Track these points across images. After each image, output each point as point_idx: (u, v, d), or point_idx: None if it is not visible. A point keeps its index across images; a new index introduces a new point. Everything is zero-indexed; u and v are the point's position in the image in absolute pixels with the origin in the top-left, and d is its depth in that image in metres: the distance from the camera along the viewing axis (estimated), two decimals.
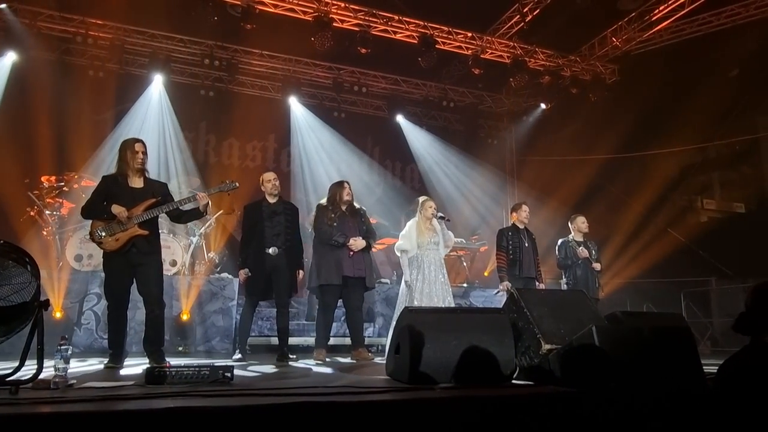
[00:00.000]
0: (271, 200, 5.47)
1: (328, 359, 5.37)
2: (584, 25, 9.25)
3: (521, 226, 6.42)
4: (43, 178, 7.41)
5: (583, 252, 6.46)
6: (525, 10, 8.81)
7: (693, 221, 11.19)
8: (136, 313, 5.47)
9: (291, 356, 5.28)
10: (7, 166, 7.52)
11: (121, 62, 8.87)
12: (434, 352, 3.25)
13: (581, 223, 6.68)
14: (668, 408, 2.74)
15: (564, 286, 6.66)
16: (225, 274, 7.22)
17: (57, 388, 2.77)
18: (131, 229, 4.33)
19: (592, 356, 2.96)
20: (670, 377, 2.97)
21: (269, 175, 5.55)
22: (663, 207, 10.30)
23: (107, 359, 4.36)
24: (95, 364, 4.56)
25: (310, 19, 8.24)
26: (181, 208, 4.64)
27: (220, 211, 7.67)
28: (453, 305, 5.84)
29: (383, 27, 8.76)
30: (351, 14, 8.52)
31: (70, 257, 6.75)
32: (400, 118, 10.89)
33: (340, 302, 5.63)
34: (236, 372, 3.29)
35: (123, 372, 4.07)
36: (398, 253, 5.84)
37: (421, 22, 8.85)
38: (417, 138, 11.13)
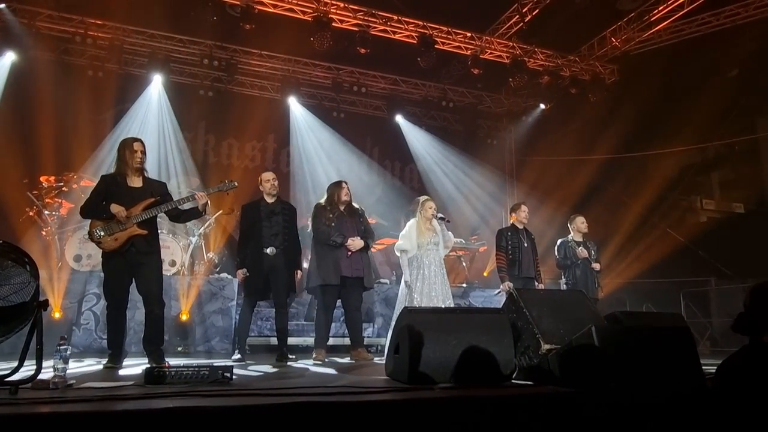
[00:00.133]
0: (270, 200, 5.46)
1: (327, 359, 5.37)
2: (583, 25, 9.25)
3: (520, 227, 6.43)
4: (42, 178, 7.41)
5: (582, 252, 6.46)
6: (524, 10, 8.81)
7: (692, 221, 11.19)
8: (136, 313, 5.47)
9: (290, 356, 5.28)
10: (7, 166, 7.51)
11: (121, 62, 8.87)
12: (434, 352, 3.25)
13: (580, 223, 6.68)
14: (667, 408, 2.74)
15: (563, 286, 6.66)
16: (224, 274, 7.22)
17: (56, 388, 2.77)
18: (130, 229, 4.33)
19: (592, 356, 2.96)
20: (669, 377, 2.97)
21: (268, 175, 5.55)
22: (662, 207, 10.31)
23: (106, 359, 4.36)
24: (94, 364, 4.55)
25: (310, 19, 8.24)
26: (180, 207, 4.63)
27: (220, 211, 7.67)
28: (453, 305, 5.84)
29: (382, 27, 8.76)
30: (350, 14, 8.52)
31: (69, 257, 6.74)
32: (399, 118, 10.89)
33: (339, 302, 5.64)
34: (236, 372, 3.29)
35: (122, 372, 4.06)
36: (398, 253, 5.84)
37: (421, 22, 8.85)
38: (416, 138, 11.13)
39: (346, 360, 5.50)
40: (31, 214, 7.27)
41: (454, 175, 11.19)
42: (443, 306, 5.50)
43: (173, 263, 7.12)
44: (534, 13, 8.80)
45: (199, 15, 7.90)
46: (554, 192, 9.98)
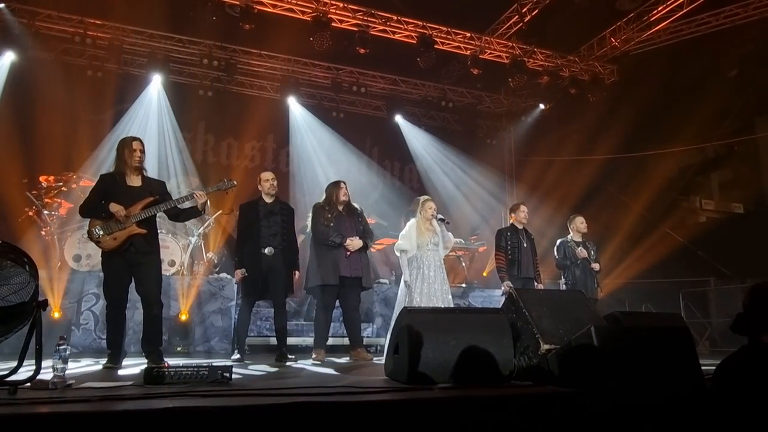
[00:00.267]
0: (268, 200, 5.46)
1: (326, 359, 5.37)
2: (583, 26, 9.26)
3: (520, 227, 6.43)
4: (41, 178, 7.40)
5: (582, 252, 6.46)
6: (524, 11, 8.82)
7: (692, 221, 11.21)
8: (135, 313, 5.46)
9: (290, 356, 5.28)
10: (6, 166, 7.50)
11: (120, 62, 8.86)
12: (433, 353, 3.25)
13: (580, 223, 6.68)
14: (666, 408, 2.74)
15: (563, 287, 6.66)
16: (224, 274, 7.22)
17: (55, 389, 2.76)
18: (129, 228, 4.32)
19: (591, 356, 2.96)
20: (668, 377, 2.97)
21: (267, 175, 5.55)
22: (661, 207, 10.31)
23: (106, 359, 4.35)
24: (94, 365, 4.55)
25: (309, 19, 8.24)
26: (179, 206, 4.63)
27: (219, 211, 7.67)
28: (452, 305, 5.84)
29: (382, 27, 8.76)
30: (350, 14, 8.52)
31: (68, 257, 6.74)
32: (398, 118, 10.89)
33: (338, 302, 5.64)
34: (235, 372, 3.29)
35: (121, 372, 4.06)
36: (398, 253, 5.84)
37: (420, 22, 8.85)
38: (416, 138, 11.13)
39: (346, 360, 5.50)
40: (30, 214, 7.27)
41: (453, 175, 11.19)
42: (443, 306, 5.50)
43: (172, 263, 7.12)
44: (533, 14, 8.81)
45: (199, 15, 7.90)
46: (554, 192, 9.98)
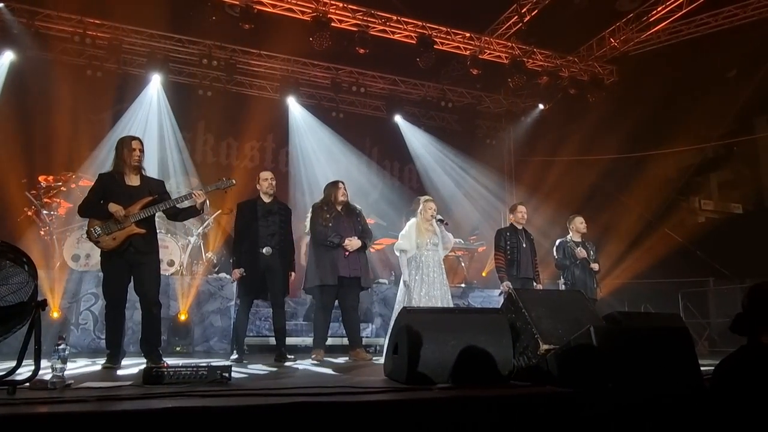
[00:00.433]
0: (266, 199, 5.45)
1: (325, 359, 5.37)
2: (582, 26, 9.26)
3: (519, 227, 6.44)
4: (40, 178, 7.40)
5: (581, 252, 6.46)
6: (523, 11, 8.82)
7: (691, 222, 11.22)
8: (134, 313, 5.46)
9: (289, 356, 5.28)
10: (5, 165, 7.50)
11: (119, 62, 8.86)
12: (432, 353, 3.25)
13: (579, 223, 6.69)
14: (665, 408, 2.74)
15: (562, 287, 6.67)
16: (223, 274, 7.22)
17: (54, 388, 2.76)
18: (128, 228, 4.32)
19: (590, 356, 2.96)
20: (667, 377, 2.97)
21: (266, 174, 5.54)
22: (661, 208, 10.31)
23: (105, 359, 4.35)
24: (93, 364, 4.55)
25: (309, 19, 8.24)
26: (177, 206, 4.63)
27: (219, 211, 7.67)
28: (452, 305, 5.84)
29: (381, 27, 8.76)
30: (349, 14, 8.52)
31: (67, 257, 6.74)
32: (398, 119, 10.89)
33: (337, 302, 5.63)
34: (234, 372, 3.29)
35: (120, 372, 4.06)
36: (397, 253, 5.85)
37: (420, 23, 8.85)
38: (415, 138, 11.13)
39: (345, 360, 5.50)
40: (29, 213, 7.27)
41: (453, 176, 11.19)
42: (442, 306, 5.50)
43: (172, 263, 7.12)
44: (533, 14, 8.81)
45: (198, 15, 7.90)
46: (553, 192, 9.98)
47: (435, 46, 8.89)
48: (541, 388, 3.12)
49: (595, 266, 6.54)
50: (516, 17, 9.01)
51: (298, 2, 8.25)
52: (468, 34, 9.26)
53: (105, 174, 4.56)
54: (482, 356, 3.32)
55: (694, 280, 9.50)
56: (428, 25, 8.91)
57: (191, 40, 9.20)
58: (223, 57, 9.31)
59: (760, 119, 11.06)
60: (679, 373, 3.06)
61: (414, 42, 8.82)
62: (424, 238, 5.71)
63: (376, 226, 8.47)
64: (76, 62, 8.70)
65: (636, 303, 9.10)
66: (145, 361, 4.30)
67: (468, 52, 9.31)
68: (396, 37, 8.91)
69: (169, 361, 4.36)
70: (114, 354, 4.33)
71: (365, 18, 8.60)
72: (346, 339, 5.71)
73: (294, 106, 10.25)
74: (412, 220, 5.88)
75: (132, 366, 4.30)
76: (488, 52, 9.45)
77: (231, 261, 5.57)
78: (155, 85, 9.28)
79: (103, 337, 4.67)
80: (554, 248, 6.71)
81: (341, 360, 5.54)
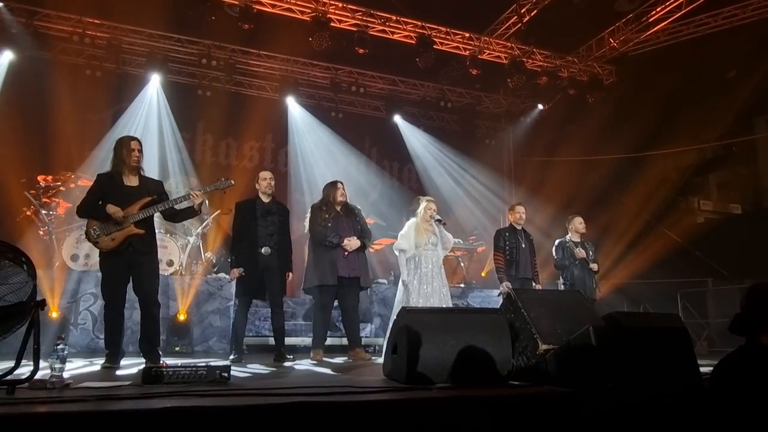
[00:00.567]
0: (265, 199, 5.45)
1: (324, 359, 5.37)
2: (582, 26, 9.27)
3: (518, 227, 6.44)
4: (39, 178, 7.40)
5: (580, 252, 6.47)
6: (522, 11, 8.82)
7: (689, 222, 11.23)
8: (133, 313, 5.45)
9: (288, 356, 5.28)
10: (4, 165, 7.49)
11: (118, 62, 8.85)
12: (431, 353, 3.26)
13: (578, 223, 6.69)
14: (664, 408, 2.75)
15: (561, 287, 6.67)
16: (222, 274, 7.21)
17: (53, 388, 2.76)
18: (127, 229, 4.32)
19: (589, 356, 2.97)
20: (666, 377, 2.98)
21: (265, 174, 5.54)
22: (660, 208, 10.33)
23: (104, 359, 4.35)
24: (92, 364, 4.54)
25: (308, 19, 8.23)
26: (175, 207, 4.63)
27: (218, 211, 7.66)
28: (451, 305, 5.84)
29: (381, 27, 8.76)
30: (349, 14, 8.52)
31: (66, 257, 6.73)
32: (397, 119, 10.89)
33: (337, 303, 5.63)
34: (233, 372, 3.29)
35: (120, 372, 4.06)
36: (397, 253, 5.85)
37: (419, 23, 8.85)
38: (414, 138, 11.13)
39: (344, 360, 5.50)
40: (28, 213, 7.26)
41: (452, 176, 11.20)
42: (441, 306, 5.50)
43: (171, 263, 7.12)
44: (532, 14, 8.82)
45: (198, 15, 7.89)
46: (552, 192, 9.98)
47: (434, 46, 8.89)
48: (540, 388, 3.12)
49: (594, 266, 6.55)
50: (515, 17, 9.01)
51: (298, 2, 8.25)
52: (467, 35, 9.26)
53: (103, 174, 4.55)
54: (481, 356, 3.32)
55: (693, 281, 9.51)
56: (428, 25, 8.91)
57: (190, 40, 9.19)
58: (222, 57, 9.30)
59: (759, 120, 11.08)
60: (678, 373, 3.06)
61: (413, 42, 8.82)
62: (423, 238, 5.72)
63: (376, 226, 8.48)
64: (76, 62, 8.69)
65: (635, 303, 9.11)
66: (144, 360, 4.30)
67: (467, 53, 9.31)
68: (395, 37, 8.91)
69: (168, 361, 4.36)
70: (113, 354, 4.33)
71: (365, 18, 8.59)
72: (345, 339, 5.71)
73: (293, 106, 10.25)
74: (412, 220, 5.89)
75: (131, 366, 4.29)
76: (488, 52, 9.45)
77: (229, 260, 5.55)
78: (154, 84, 9.27)
79: (102, 337, 4.67)
80: (553, 248, 6.72)
81: (340, 360, 5.54)
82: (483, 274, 9.75)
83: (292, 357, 5.33)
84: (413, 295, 5.54)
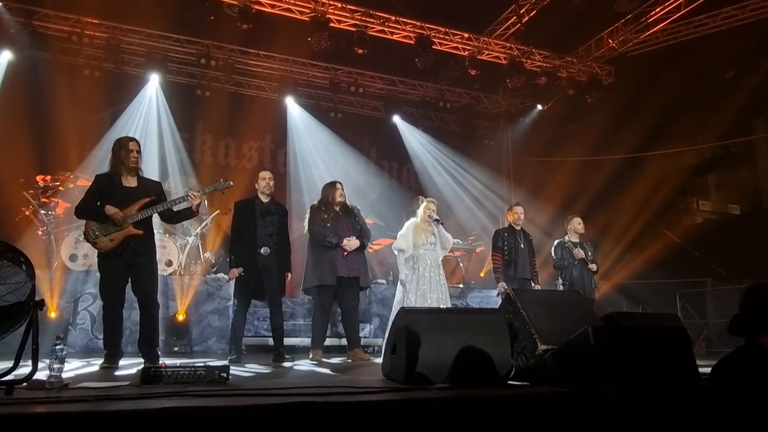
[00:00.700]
0: (264, 199, 5.45)
1: (324, 359, 5.37)
2: (581, 27, 9.27)
3: (517, 227, 6.44)
4: (38, 178, 7.38)
5: (579, 253, 6.47)
6: (522, 11, 8.83)
7: (688, 222, 11.24)
8: (132, 313, 5.44)
9: (287, 356, 5.28)
10: (2, 165, 7.48)
11: (117, 62, 8.83)
12: (430, 353, 3.26)
13: (577, 224, 6.69)
14: (663, 408, 2.75)
15: (560, 287, 6.67)
16: (221, 275, 7.20)
17: (52, 388, 2.76)
18: (126, 229, 4.31)
19: (588, 357, 2.97)
20: (665, 378, 2.98)
21: (265, 174, 5.53)
22: (658, 208, 10.33)
23: (102, 359, 4.34)
24: (90, 365, 4.54)
25: (307, 19, 8.23)
26: (173, 208, 4.62)
27: (217, 211, 7.65)
28: (449, 305, 5.85)
29: (380, 27, 8.76)
30: (348, 15, 8.52)
31: (65, 257, 6.72)
32: (396, 119, 10.89)
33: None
34: (232, 372, 3.28)
35: (118, 372, 4.06)
36: (396, 252, 5.86)
37: (418, 23, 8.85)
38: (414, 138, 11.13)
39: (343, 360, 5.50)
40: (27, 213, 7.25)
41: (451, 176, 11.20)
42: (437, 305, 5.51)
43: (170, 263, 7.11)
44: (531, 14, 8.82)
45: (197, 14, 7.88)
46: (551, 193, 9.99)
47: (433, 47, 8.89)
48: (539, 389, 3.12)
49: (593, 266, 6.55)
50: (514, 18, 9.02)
51: (297, 2, 8.24)
52: (466, 35, 9.27)
53: (102, 175, 4.55)
54: (480, 356, 3.32)
55: (691, 281, 9.51)
56: (427, 25, 8.91)
57: (189, 40, 9.18)
58: (221, 57, 9.30)
59: (757, 120, 11.08)
60: (676, 373, 3.06)
61: (412, 42, 8.82)
62: (421, 238, 5.73)
63: (375, 226, 8.47)
64: (74, 62, 8.68)
65: (634, 303, 9.11)
66: (143, 361, 4.30)
67: (466, 53, 9.31)
68: (394, 37, 8.90)
69: (167, 361, 4.35)
70: (112, 354, 4.33)
71: (364, 18, 8.59)
72: (344, 339, 5.71)
73: (292, 106, 10.24)
74: (411, 220, 5.91)
75: (130, 366, 4.29)
76: (487, 52, 9.46)
77: (228, 260, 5.55)
78: (153, 84, 9.25)
79: (101, 337, 4.66)
80: (552, 249, 6.72)
81: (339, 360, 5.54)
82: (482, 275, 9.75)
83: (291, 357, 5.33)
84: (410, 294, 5.55)
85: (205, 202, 4.72)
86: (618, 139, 9.70)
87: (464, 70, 9.47)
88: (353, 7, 8.51)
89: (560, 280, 6.70)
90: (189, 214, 4.74)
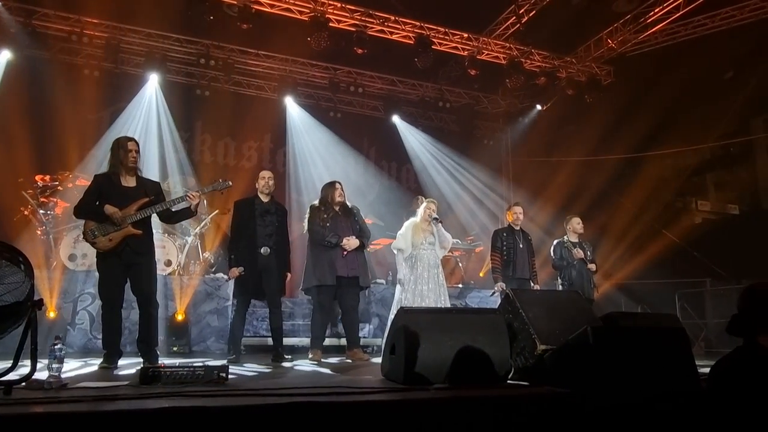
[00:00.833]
0: (264, 199, 5.45)
1: (323, 359, 5.37)
2: (580, 27, 9.28)
3: (516, 227, 6.45)
4: (37, 177, 7.38)
5: (578, 253, 6.48)
6: (521, 12, 8.83)
7: (687, 222, 11.23)
8: (131, 313, 5.45)
9: (286, 356, 5.27)
10: (1, 165, 7.48)
11: (117, 61, 8.81)
12: (429, 353, 3.26)
13: (576, 223, 6.70)
14: (662, 408, 2.75)
15: (559, 287, 6.68)
16: (220, 274, 7.19)
17: (50, 388, 2.76)
18: (125, 229, 4.31)
19: (587, 357, 2.97)
20: (664, 378, 2.98)
21: (265, 173, 5.54)
22: (657, 208, 10.34)
23: (101, 359, 4.34)
24: (89, 365, 4.53)
25: (307, 19, 8.23)
26: (172, 208, 4.62)
27: (216, 211, 7.65)
28: (448, 305, 5.85)
29: (379, 27, 8.76)
30: (347, 14, 8.51)
31: (63, 257, 6.71)
32: (396, 119, 10.89)
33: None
34: (231, 372, 3.28)
35: (117, 372, 4.06)
36: (395, 252, 5.87)
37: (418, 23, 8.85)
38: (413, 138, 11.13)
39: (343, 360, 5.50)
40: (25, 213, 7.24)
41: (450, 176, 11.20)
42: (435, 305, 5.51)
43: (169, 263, 7.10)
44: (531, 15, 8.83)
45: (196, 14, 7.88)
46: (550, 193, 10.00)
47: (433, 47, 8.89)
48: (538, 389, 3.12)
49: (592, 266, 6.56)
50: (514, 18, 9.02)
51: (296, 2, 8.24)
52: (466, 35, 9.27)
53: (101, 175, 4.55)
54: (479, 356, 3.32)
55: (690, 281, 9.52)
56: (426, 25, 8.91)
57: (189, 40, 9.18)
58: (221, 57, 9.29)
59: (756, 120, 11.09)
60: (675, 373, 3.07)
61: (412, 42, 8.82)
62: (420, 237, 5.73)
63: (374, 226, 8.46)
64: (74, 61, 8.67)
65: (633, 304, 9.11)
66: (141, 361, 4.29)
67: (466, 53, 9.31)
68: (394, 37, 8.90)
69: (166, 361, 4.36)
70: (110, 354, 4.32)
71: (363, 18, 8.59)
72: (343, 339, 5.71)
73: (292, 106, 10.23)
74: (411, 220, 5.92)
75: (129, 366, 4.29)
76: (486, 52, 9.46)
77: (228, 259, 5.54)
78: (153, 84, 9.24)
79: (100, 337, 4.65)
80: (551, 249, 6.73)
81: (338, 360, 5.54)
82: (481, 275, 9.75)
83: (290, 357, 5.33)
84: (408, 293, 5.55)
85: (204, 202, 4.72)
86: (617, 140, 9.70)
87: (464, 70, 9.47)
88: (353, 7, 8.51)
89: (559, 280, 6.71)
90: (188, 214, 4.73)
